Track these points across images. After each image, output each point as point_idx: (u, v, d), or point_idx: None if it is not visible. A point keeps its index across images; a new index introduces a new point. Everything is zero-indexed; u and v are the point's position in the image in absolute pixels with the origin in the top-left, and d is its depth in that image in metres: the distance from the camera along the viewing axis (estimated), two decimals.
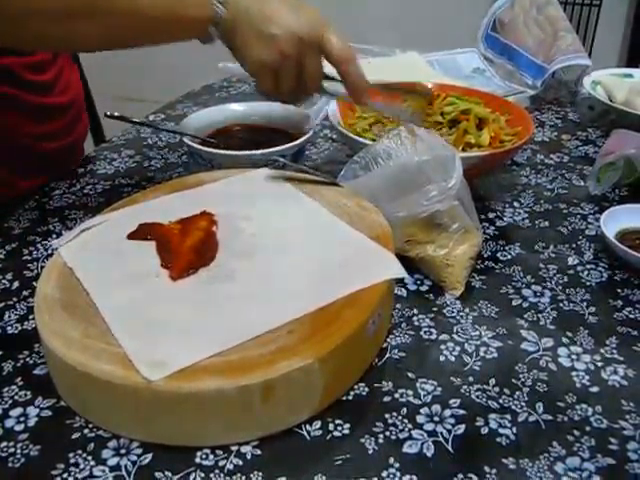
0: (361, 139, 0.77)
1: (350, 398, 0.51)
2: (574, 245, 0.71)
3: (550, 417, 0.50)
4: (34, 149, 0.88)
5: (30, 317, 0.59)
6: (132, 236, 0.60)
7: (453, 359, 0.55)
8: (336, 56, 0.68)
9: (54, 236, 0.72)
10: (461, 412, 0.50)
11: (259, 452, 0.47)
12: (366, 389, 0.52)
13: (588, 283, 0.65)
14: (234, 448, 0.47)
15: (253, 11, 0.67)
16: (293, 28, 0.66)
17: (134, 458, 0.46)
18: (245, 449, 0.47)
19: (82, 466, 0.46)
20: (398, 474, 0.45)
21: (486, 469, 0.45)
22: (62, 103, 0.93)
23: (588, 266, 0.68)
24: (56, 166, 0.88)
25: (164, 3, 0.65)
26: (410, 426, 0.49)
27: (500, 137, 0.81)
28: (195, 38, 0.70)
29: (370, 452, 0.47)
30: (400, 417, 0.49)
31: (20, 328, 0.59)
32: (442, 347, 0.56)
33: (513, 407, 0.50)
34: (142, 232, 0.60)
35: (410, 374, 0.54)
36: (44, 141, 0.90)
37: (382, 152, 0.68)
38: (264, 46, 0.67)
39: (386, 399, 0.51)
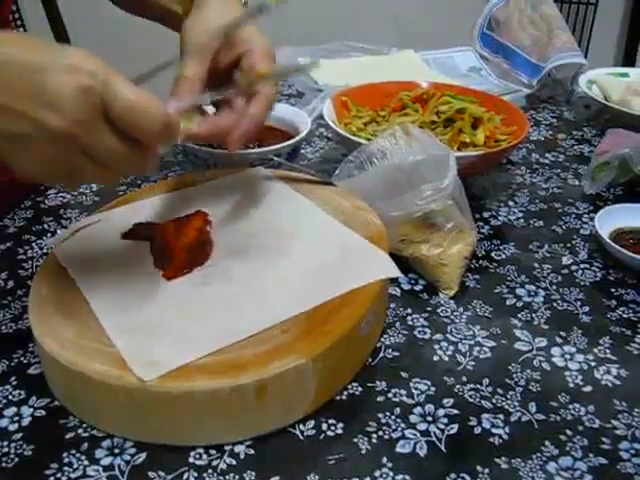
0: (356, 138, 0.77)
1: (344, 398, 0.51)
2: (568, 244, 0.71)
3: (543, 417, 0.50)
4: None
5: (25, 316, 0.59)
6: (127, 236, 0.60)
7: (447, 359, 0.55)
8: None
9: (49, 235, 0.72)
10: (454, 412, 0.50)
11: (252, 452, 0.47)
12: (360, 389, 0.52)
13: (582, 283, 0.65)
14: (228, 448, 0.47)
15: None
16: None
17: (128, 458, 0.46)
18: (239, 449, 0.47)
19: (76, 466, 0.46)
20: (391, 474, 0.45)
21: (479, 469, 0.46)
22: None
23: (582, 265, 0.68)
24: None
25: None
26: (403, 426, 0.49)
27: (495, 136, 0.81)
28: None
29: (363, 452, 0.47)
30: (393, 417, 0.50)
31: (14, 327, 0.58)
32: (436, 347, 0.56)
33: (506, 407, 0.51)
34: (137, 232, 0.60)
35: (404, 374, 0.54)
36: None
37: (377, 151, 0.69)
38: None
39: (379, 399, 0.51)
